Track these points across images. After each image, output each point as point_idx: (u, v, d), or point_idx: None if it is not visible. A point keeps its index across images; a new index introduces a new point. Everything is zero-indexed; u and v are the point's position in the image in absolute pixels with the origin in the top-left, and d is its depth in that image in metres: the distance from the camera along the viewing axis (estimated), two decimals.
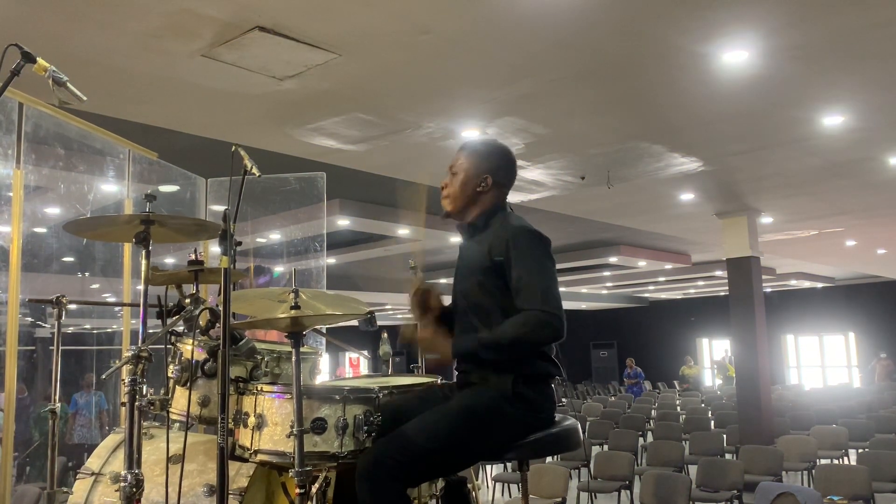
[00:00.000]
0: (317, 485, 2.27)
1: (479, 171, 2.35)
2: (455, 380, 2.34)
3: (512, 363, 2.16)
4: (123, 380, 2.08)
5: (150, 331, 2.22)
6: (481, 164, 2.36)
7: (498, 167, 2.38)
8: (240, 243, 2.41)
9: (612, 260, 14.21)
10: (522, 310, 2.12)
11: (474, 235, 2.37)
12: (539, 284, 2.12)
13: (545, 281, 2.13)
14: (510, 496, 7.78)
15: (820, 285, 20.84)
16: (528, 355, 2.18)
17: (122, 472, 2.05)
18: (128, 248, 4.33)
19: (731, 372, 20.59)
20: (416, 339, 2.32)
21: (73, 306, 2.98)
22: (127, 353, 2.09)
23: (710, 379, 23.32)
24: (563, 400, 17.94)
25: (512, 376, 2.15)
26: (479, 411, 2.13)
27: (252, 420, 2.25)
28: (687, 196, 8.68)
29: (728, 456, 8.36)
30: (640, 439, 10.13)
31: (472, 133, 5.85)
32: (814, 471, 6.68)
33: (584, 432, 10.07)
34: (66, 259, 5.86)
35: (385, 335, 3.45)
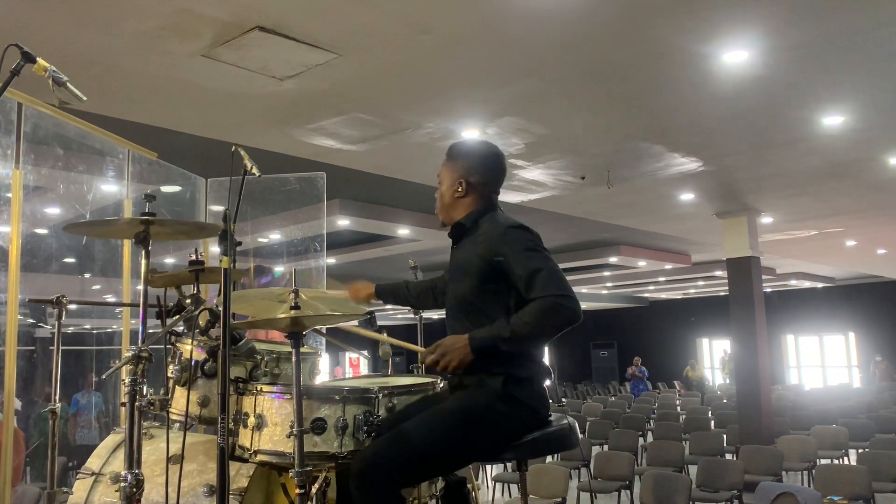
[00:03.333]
0: (317, 485, 2.27)
1: (452, 178, 2.37)
2: (447, 382, 2.34)
3: (503, 364, 2.15)
4: (123, 380, 2.08)
5: (150, 331, 2.22)
6: (454, 170, 2.37)
7: (470, 168, 2.35)
8: (240, 243, 2.41)
9: (612, 260, 14.21)
10: (535, 299, 2.10)
11: (463, 238, 2.36)
12: (545, 271, 2.11)
13: (549, 267, 2.13)
14: (510, 496, 7.78)
15: (820, 285, 20.84)
16: (518, 356, 2.17)
17: (122, 472, 2.05)
18: (128, 247, 4.33)
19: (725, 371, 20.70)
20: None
21: (73, 306, 2.98)
22: (127, 354, 2.09)
23: (712, 379, 23.32)
24: (564, 400, 17.94)
25: (502, 377, 2.15)
26: (475, 412, 2.12)
27: (252, 420, 2.25)
28: (687, 196, 8.68)
29: (728, 456, 8.36)
30: (640, 439, 10.13)
31: (472, 133, 5.85)
32: (814, 471, 6.68)
33: (584, 432, 10.07)
34: (66, 259, 5.86)
35: (385, 335, 3.44)
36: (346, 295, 2.73)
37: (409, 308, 2.92)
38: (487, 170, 2.39)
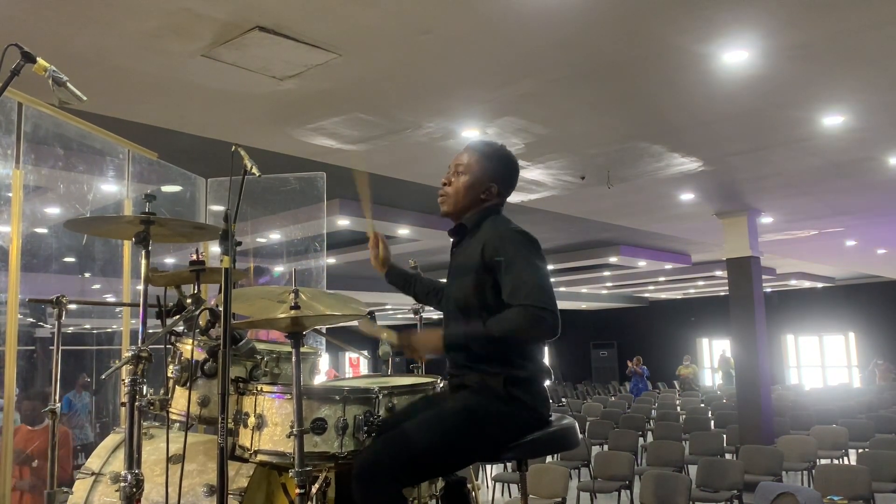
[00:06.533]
0: (317, 485, 2.27)
1: (485, 178, 2.33)
2: (448, 382, 2.34)
3: (502, 365, 2.16)
4: (123, 380, 2.08)
5: (150, 331, 2.21)
6: (489, 171, 2.33)
7: (504, 177, 2.37)
8: (240, 243, 2.41)
9: (612, 260, 14.20)
10: (517, 306, 2.10)
11: (465, 237, 2.36)
12: (532, 281, 2.11)
13: (538, 278, 2.12)
14: (510, 496, 7.78)
15: (820, 285, 20.85)
16: (517, 357, 2.18)
17: (122, 472, 2.05)
18: (128, 247, 4.33)
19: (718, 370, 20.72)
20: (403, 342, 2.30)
21: (73, 306, 2.98)
22: (127, 353, 2.09)
23: (709, 379, 23.32)
24: (564, 400, 17.93)
25: (503, 378, 2.15)
26: (476, 412, 2.12)
27: (252, 420, 2.25)
28: (687, 196, 8.68)
29: (728, 456, 8.36)
30: (640, 439, 10.13)
31: (472, 133, 5.85)
32: (814, 471, 6.68)
33: (584, 432, 10.07)
34: (66, 259, 5.85)
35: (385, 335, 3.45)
36: (370, 234, 2.73)
37: (413, 300, 2.90)
38: (513, 182, 2.42)
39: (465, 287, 2.24)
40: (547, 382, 2.28)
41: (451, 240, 2.43)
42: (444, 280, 2.65)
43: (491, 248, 2.19)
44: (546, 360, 2.33)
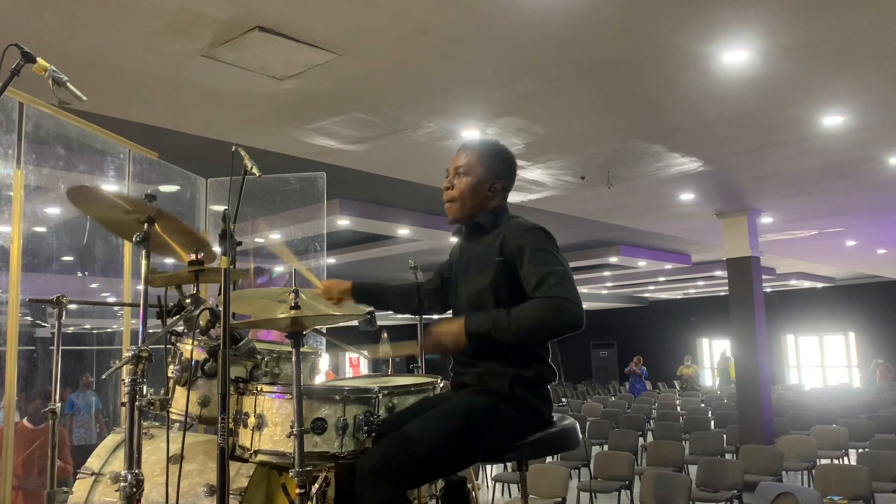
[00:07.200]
0: (317, 485, 2.27)
1: (488, 176, 2.32)
2: (450, 380, 2.34)
3: (510, 365, 2.16)
4: (123, 380, 2.08)
5: (150, 331, 2.22)
6: (490, 169, 2.33)
7: (504, 172, 2.37)
8: (240, 243, 2.41)
9: (612, 260, 14.21)
10: (541, 297, 2.09)
11: (477, 236, 2.35)
12: (556, 274, 2.10)
13: (562, 271, 2.12)
14: (510, 496, 7.78)
15: (820, 285, 20.85)
16: (526, 357, 2.17)
17: (122, 472, 2.05)
18: (128, 247, 4.33)
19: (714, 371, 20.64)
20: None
21: (73, 306, 2.98)
22: (127, 353, 2.09)
23: (709, 379, 23.32)
24: (564, 400, 17.93)
25: (509, 378, 2.15)
26: (479, 412, 2.12)
27: (252, 420, 2.25)
28: (687, 196, 8.68)
29: (728, 456, 8.36)
30: (640, 439, 10.13)
31: (471, 133, 5.85)
32: (814, 471, 6.68)
33: (584, 432, 10.07)
34: (66, 259, 5.85)
35: (385, 335, 3.45)
36: (319, 292, 2.59)
37: (391, 311, 2.82)
38: (513, 176, 2.42)
39: (482, 283, 2.23)
40: (552, 383, 2.28)
41: (461, 239, 2.43)
42: (422, 281, 2.65)
43: (513, 243, 2.18)
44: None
